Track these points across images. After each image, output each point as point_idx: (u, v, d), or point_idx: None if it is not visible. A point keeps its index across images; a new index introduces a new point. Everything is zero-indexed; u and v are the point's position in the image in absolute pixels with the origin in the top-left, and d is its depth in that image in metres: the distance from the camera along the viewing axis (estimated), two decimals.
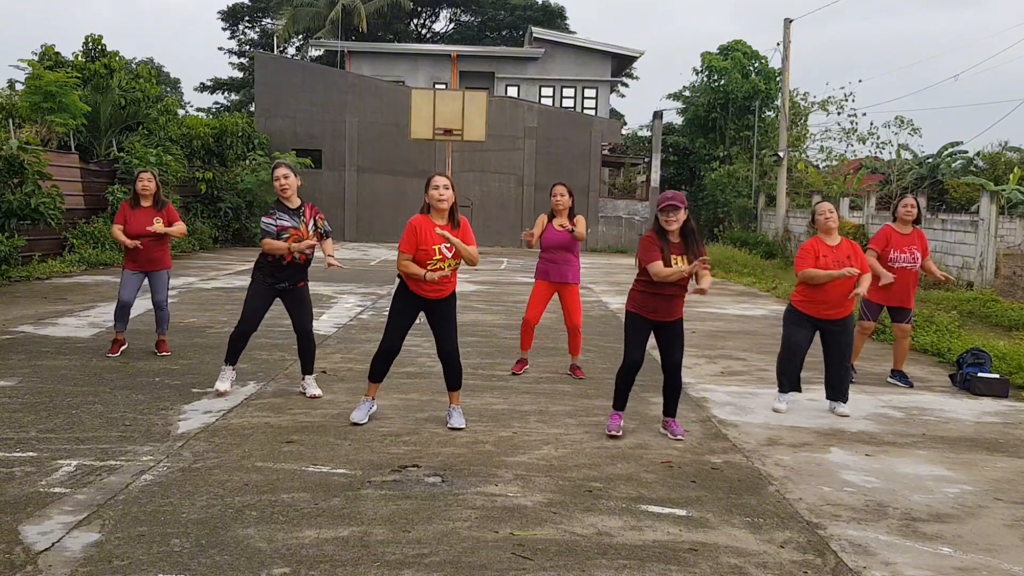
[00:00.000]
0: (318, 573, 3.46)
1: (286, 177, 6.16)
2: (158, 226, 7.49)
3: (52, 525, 3.83)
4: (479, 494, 4.43)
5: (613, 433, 5.56)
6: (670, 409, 5.69)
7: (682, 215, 5.40)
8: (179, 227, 7.77)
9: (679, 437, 5.58)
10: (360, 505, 4.21)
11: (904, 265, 7.32)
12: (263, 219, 6.18)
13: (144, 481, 4.44)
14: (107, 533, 3.77)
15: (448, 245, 5.40)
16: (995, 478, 5.02)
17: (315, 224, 6.28)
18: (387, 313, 5.80)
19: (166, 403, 6.06)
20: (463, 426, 5.65)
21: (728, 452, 5.36)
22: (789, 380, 6.45)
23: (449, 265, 5.45)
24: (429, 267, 5.41)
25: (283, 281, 6.26)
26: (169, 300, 7.99)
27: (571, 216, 7.26)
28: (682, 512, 4.28)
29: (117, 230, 7.63)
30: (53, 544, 3.64)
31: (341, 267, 6.54)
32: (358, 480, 4.57)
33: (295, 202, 6.24)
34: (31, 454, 4.82)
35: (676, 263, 5.35)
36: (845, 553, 3.85)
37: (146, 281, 7.76)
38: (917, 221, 7.53)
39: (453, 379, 5.77)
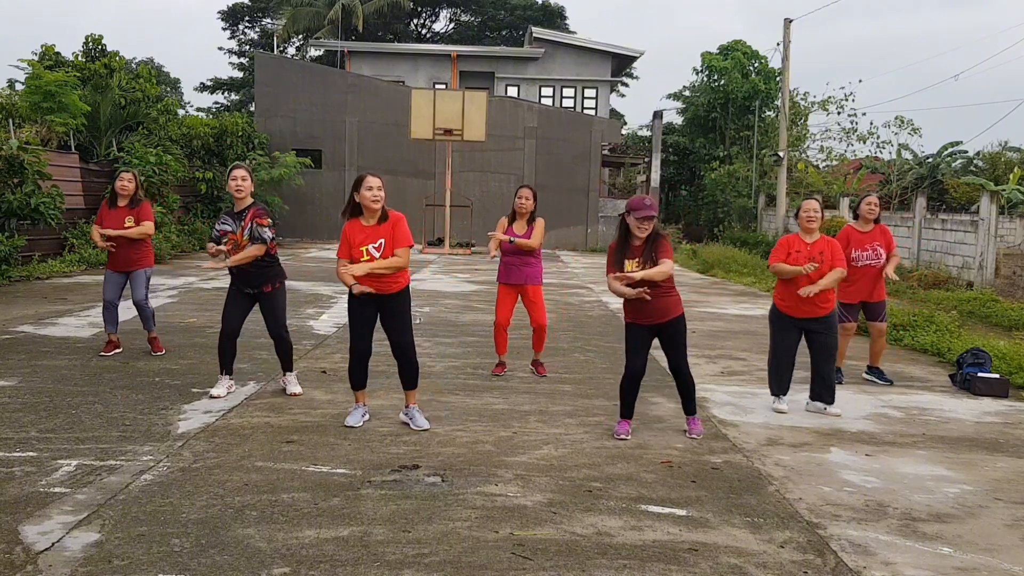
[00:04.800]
0: (318, 573, 3.46)
1: (243, 179, 6.20)
2: (126, 228, 7.50)
3: (52, 525, 3.83)
4: (479, 494, 4.43)
5: (622, 437, 5.56)
6: (688, 407, 5.73)
7: (653, 224, 5.39)
8: (140, 228, 7.58)
9: (694, 436, 5.62)
10: (360, 505, 4.21)
11: (867, 263, 7.43)
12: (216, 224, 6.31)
13: (144, 481, 4.44)
14: (107, 533, 3.77)
15: (376, 245, 5.37)
16: (995, 478, 5.02)
17: (251, 228, 6.19)
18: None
19: (166, 403, 6.06)
20: (427, 426, 5.59)
21: (728, 452, 5.36)
22: (780, 384, 6.47)
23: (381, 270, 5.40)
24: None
25: (247, 287, 6.29)
26: (168, 300, 8.00)
27: (531, 219, 7.25)
28: (682, 512, 4.28)
29: (94, 229, 7.73)
30: (53, 544, 3.64)
31: (215, 267, 6.27)
32: (358, 480, 4.57)
33: (243, 204, 6.26)
34: (31, 454, 4.82)
35: (629, 267, 5.32)
36: (845, 553, 3.85)
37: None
38: (878, 219, 7.65)
39: (407, 376, 5.64)
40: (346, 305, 5.81)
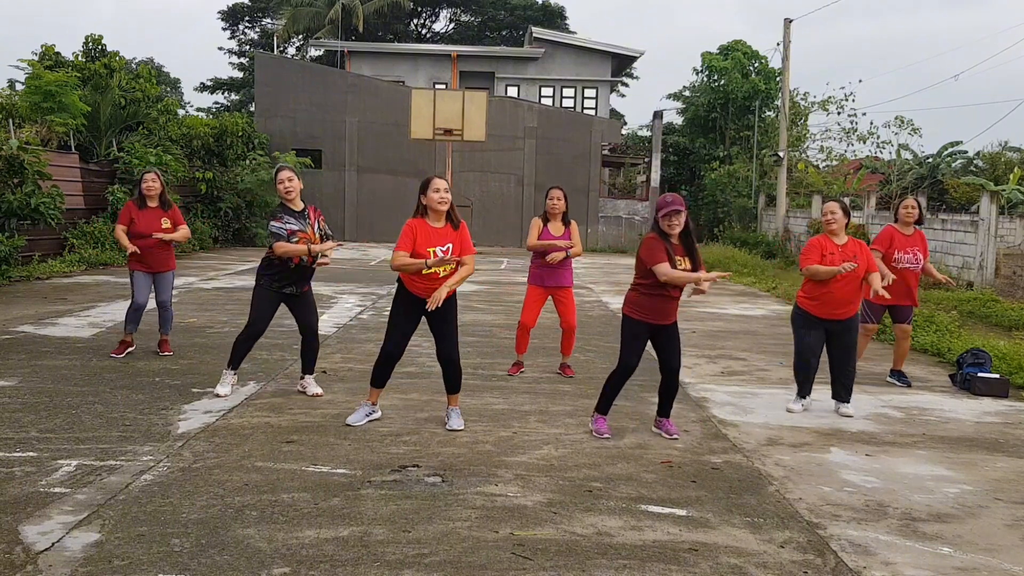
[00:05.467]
0: (318, 573, 3.46)
1: (290, 180, 6.19)
2: (165, 230, 7.63)
3: (52, 525, 3.84)
4: (479, 494, 4.43)
5: (606, 436, 5.56)
6: (665, 410, 5.71)
7: (684, 218, 5.42)
8: (184, 231, 7.86)
9: (675, 435, 5.59)
10: (360, 505, 4.21)
11: (907, 266, 7.40)
12: (272, 223, 6.17)
13: (144, 481, 4.44)
14: (107, 533, 3.77)
15: (444, 248, 5.39)
16: (995, 478, 5.02)
17: (318, 225, 6.31)
18: (387, 314, 5.79)
19: (166, 403, 6.06)
20: (462, 427, 5.64)
21: (728, 452, 5.36)
22: (808, 384, 6.45)
23: (447, 267, 5.43)
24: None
25: (291, 286, 6.28)
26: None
27: (566, 220, 7.30)
28: (682, 512, 4.28)
29: (121, 232, 7.67)
30: (53, 544, 3.64)
31: (327, 263, 6.51)
32: (358, 480, 4.57)
33: (299, 205, 6.26)
34: (31, 454, 4.82)
35: (680, 264, 5.37)
36: (845, 553, 3.85)
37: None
38: (919, 222, 7.59)
39: (452, 383, 5.75)
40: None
